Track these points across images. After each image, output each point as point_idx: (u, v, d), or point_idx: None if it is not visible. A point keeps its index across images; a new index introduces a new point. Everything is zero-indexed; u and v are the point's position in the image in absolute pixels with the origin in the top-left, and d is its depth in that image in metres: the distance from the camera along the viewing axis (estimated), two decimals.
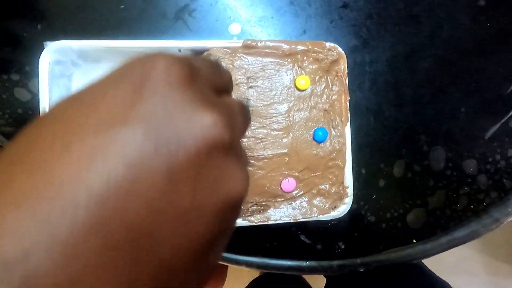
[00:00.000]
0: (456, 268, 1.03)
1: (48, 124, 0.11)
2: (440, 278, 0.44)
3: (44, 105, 0.31)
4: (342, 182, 0.33)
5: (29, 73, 0.35)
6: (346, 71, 0.33)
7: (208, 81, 0.14)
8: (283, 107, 0.32)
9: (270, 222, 0.32)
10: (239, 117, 0.14)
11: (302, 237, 0.37)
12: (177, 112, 0.11)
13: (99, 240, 0.09)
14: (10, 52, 0.35)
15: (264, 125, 0.32)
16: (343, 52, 0.33)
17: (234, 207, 0.13)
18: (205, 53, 0.32)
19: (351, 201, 0.33)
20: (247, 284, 0.55)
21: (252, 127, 0.32)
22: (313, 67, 0.33)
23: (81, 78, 0.34)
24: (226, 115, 0.12)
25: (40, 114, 0.11)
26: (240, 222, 0.32)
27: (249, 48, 0.32)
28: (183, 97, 0.11)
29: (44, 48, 0.31)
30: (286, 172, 0.32)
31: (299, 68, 0.33)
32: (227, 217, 0.12)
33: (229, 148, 0.12)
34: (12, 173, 0.10)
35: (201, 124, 0.11)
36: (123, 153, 0.10)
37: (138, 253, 0.10)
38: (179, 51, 0.33)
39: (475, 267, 1.04)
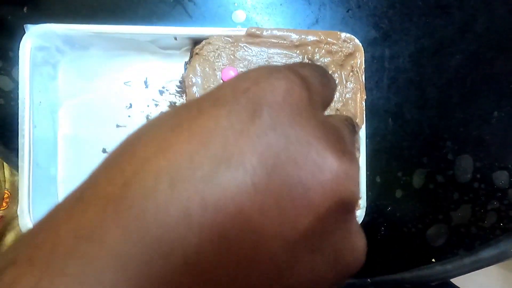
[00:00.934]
0: (470, 281, 0.99)
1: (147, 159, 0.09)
2: None
3: (24, 95, 0.28)
4: None
5: (13, 59, 0.32)
6: (363, 66, 0.30)
7: (320, 98, 0.12)
8: None
9: None
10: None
11: None
12: (301, 152, 0.09)
13: None
14: None
15: None
16: (360, 44, 0.30)
17: (349, 278, 0.11)
18: (204, 42, 0.29)
19: (363, 214, 0.31)
20: None
21: None
22: (326, 60, 0.30)
23: (68, 67, 0.31)
24: (353, 161, 0.10)
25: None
26: None
27: (253, 37, 0.30)
28: (306, 132, 0.10)
29: (25, 32, 0.28)
30: None
31: (310, 61, 0.29)
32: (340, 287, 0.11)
33: (353, 208, 0.11)
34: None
35: (330, 172, 0.09)
36: (232, 197, 0.08)
37: None
38: (175, 39, 0.30)
39: (491, 281, 1.01)
